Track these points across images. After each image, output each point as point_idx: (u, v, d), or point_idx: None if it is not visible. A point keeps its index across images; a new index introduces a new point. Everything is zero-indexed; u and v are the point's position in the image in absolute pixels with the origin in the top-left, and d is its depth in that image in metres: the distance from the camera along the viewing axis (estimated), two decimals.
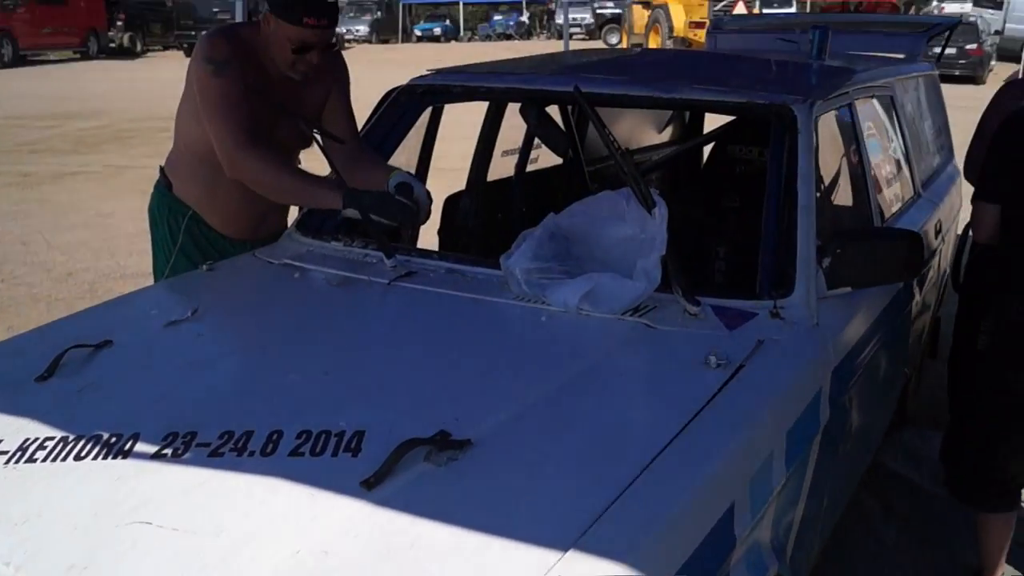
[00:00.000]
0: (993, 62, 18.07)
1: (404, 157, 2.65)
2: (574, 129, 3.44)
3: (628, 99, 2.37)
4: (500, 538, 1.20)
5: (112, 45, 21.54)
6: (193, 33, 19.98)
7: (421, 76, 2.68)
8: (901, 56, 3.64)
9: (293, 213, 2.68)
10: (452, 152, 3.22)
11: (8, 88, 14.07)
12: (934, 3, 29.45)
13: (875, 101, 2.86)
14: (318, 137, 2.24)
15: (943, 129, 3.94)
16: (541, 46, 26.54)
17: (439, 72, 2.69)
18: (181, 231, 2.47)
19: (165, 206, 2.49)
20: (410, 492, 1.30)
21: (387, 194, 2.18)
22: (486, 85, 2.59)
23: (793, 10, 27.51)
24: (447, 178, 3.13)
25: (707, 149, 3.94)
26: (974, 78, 16.23)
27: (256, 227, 2.50)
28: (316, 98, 2.42)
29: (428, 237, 3.36)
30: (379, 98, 2.67)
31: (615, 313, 1.87)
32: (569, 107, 3.45)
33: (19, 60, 18.16)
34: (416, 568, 1.17)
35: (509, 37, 32.13)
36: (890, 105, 2.99)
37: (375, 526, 1.24)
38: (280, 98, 2.29)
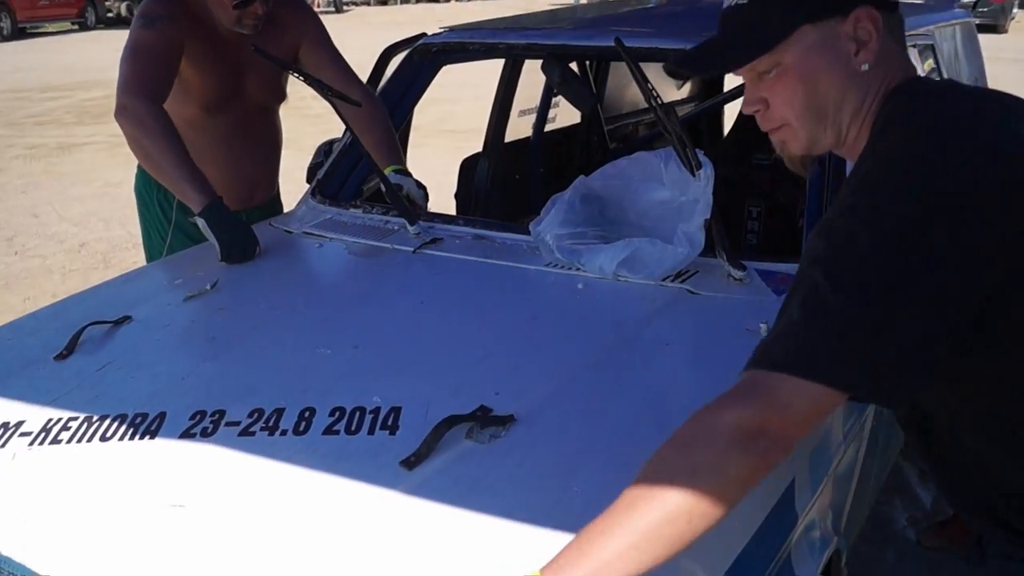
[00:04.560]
0: (1015, 10, 17.61)
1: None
2: (592, 87, 3.32)
3: (662, 53, 2.24)
4: (551, 522, 1.13)
5: (110, 15, 21.03)
6: None
7: (435, 34, 2.57)
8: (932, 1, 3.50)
9: (285, 177, 2.57)
10: (459, 112, 3.11)
11: (9, 61, 13.90)
12: None
13: (915, 51, 2.73)
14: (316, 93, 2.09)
15: (980, 80, 3.79)
16: (555, 5, 26.07)
17: (452, 29, 2.58)
18: (174, 208, 2.35)
19: (152, 184, 2.37)
20: (453, 472, 1.24)
21: (243, 230, 2.01)
22: (505, 41, 2.46)
23: None
24: (456, 140, 3.03)
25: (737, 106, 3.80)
26: (995, 27, 15.84)
27: (248, 195, 2.40)
28: (282, 54, 2.25)
29: (444, 201, 3.29)
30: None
31: (655, 279, 1.78)
32: (588, 64, 3.33)
33: (18, 33, 17.89)
34: (463, 550, 1.11)
35: None
36: (931, 55, 2.86)
37: (418, 507, 1.17)
38: (239, 59, 2.16)
